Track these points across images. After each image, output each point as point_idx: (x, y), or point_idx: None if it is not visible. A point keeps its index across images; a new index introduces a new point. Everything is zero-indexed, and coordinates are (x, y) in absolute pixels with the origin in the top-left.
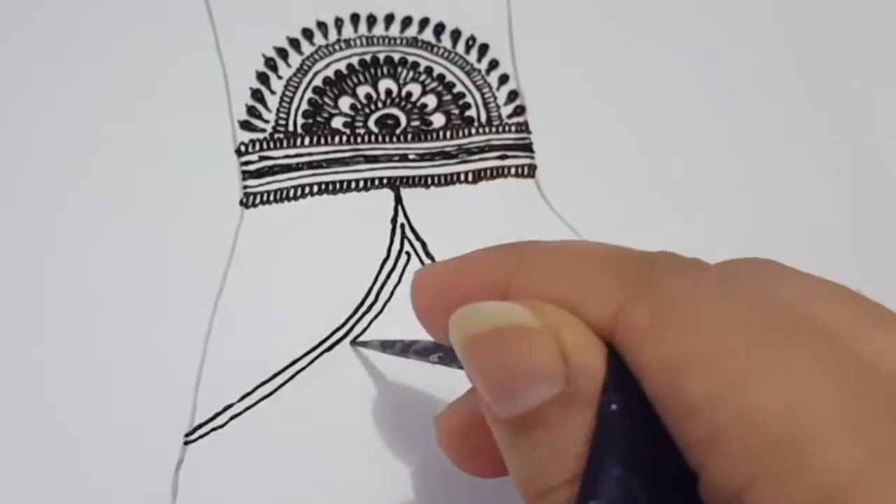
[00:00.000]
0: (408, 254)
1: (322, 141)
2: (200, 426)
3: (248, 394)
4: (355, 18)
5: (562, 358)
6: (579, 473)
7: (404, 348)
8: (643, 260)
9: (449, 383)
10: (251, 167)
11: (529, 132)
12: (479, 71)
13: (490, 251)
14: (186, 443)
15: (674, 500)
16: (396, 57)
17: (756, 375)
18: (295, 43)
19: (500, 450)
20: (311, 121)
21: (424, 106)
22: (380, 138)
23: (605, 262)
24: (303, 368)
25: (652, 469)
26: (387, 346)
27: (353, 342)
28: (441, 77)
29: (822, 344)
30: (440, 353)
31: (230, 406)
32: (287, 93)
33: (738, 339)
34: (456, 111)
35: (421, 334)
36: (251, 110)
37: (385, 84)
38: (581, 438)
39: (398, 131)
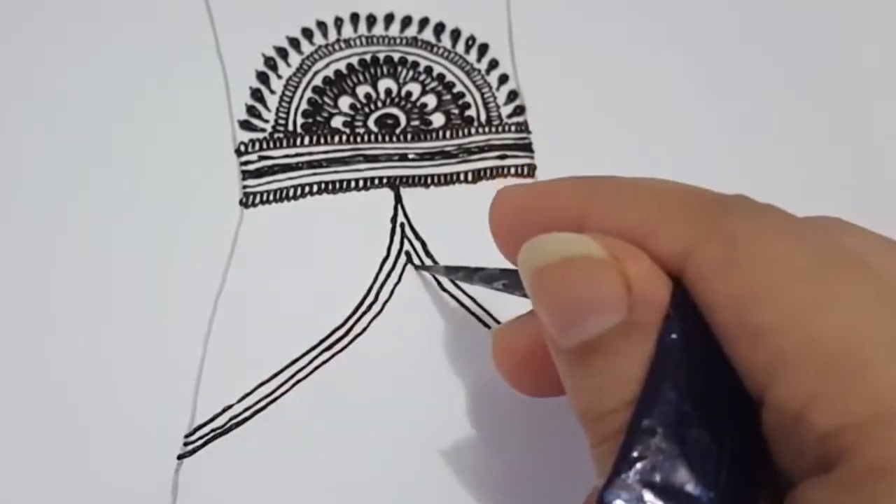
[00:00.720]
0: (407, 253)
1: (322, 140)
2: (200, 427)
3: (248, 394)
4: (355, 18)
5: (626, 289)
6: (636, 398)
7: (468, 274)
8: (716, 200)
9: (450, 387)
10: (251, 167)
11: (529, 132)
12: (479, 71)
13: (570, 180)
14: (186, 444)
15: (727, 426)
16: (396, 56)
17: (821, 305)
18: (295, 42)
19: (559, 374)
20: (310, 120)
21: (424, 105)
22: (379, 138)
23: (679, 199)
24: (303, 368)
25: (708, 396)
26: (451, 271)
27: (417, 266)
28: (441, 77)
29: (881, 282)
30: (504, 280)
31: (230, 407)
32: (287, 92)
33: (805, 273)
34: (456, 111)
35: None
36: (251, 110)
37: (385, 84)
38: (640, 365)
39: (398, 131)
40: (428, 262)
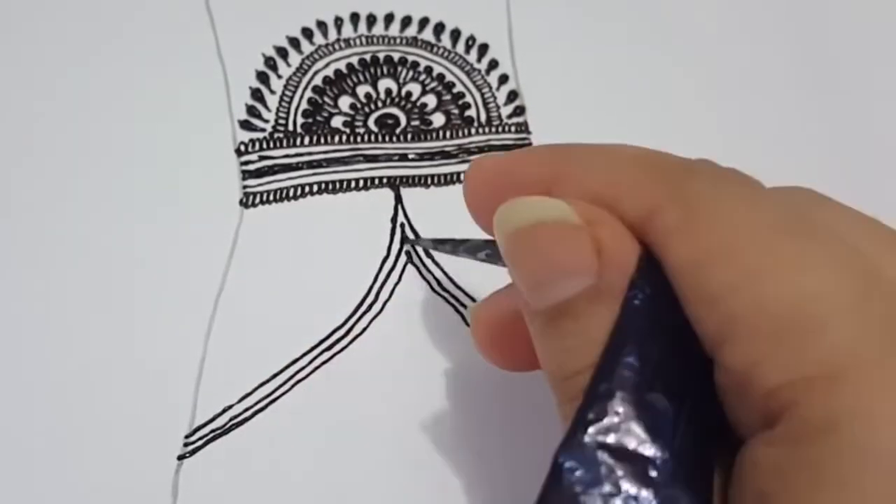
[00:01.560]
0: (408, 253)
1: (322, 140)
2: (200, 427)
3: (248, 394)
4: (355, 18)
5: (597, 253)
6: None
7: (454, 246)
8: (680, 164)
9: (450, 387)
10: (251, 167)
11: (529, 132)
12: (479, 71)
13: (542, 148)
14: (186, 444)
15: (687, 388)
16: (396, 56)
17: (774, 268)
18: (295, 42)
19: (532, 341)
20: (310, 120)
21: (424, 105)
22: (379, 138)
23: (643, 164)
24: (303, 368)
25: (669, 359)
26: (438, 244)
27: (409, 241)
28: (441, 77)
29: (837, 245)
30: (487, 250)
31: (230, 407)
32: (287, 92)
33: (761, 236)
34: (456, 111)
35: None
36: (251, 110)
37: (385, 83)
38: (606, 328)
39: (398, 131)
40: (429, 262)
